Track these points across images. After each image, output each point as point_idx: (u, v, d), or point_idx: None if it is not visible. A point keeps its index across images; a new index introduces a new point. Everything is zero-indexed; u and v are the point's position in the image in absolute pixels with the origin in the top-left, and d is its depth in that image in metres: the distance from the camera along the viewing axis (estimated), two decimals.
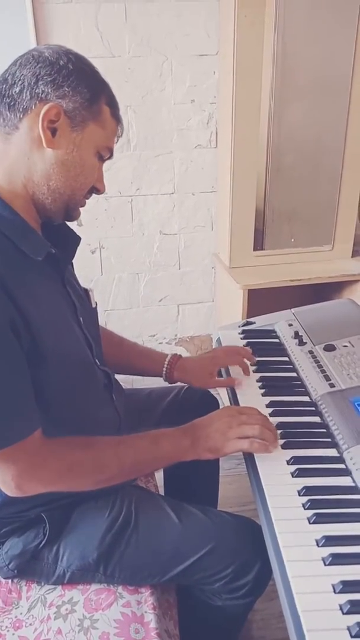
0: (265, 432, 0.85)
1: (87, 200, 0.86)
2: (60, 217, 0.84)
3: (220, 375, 1.14)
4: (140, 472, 0.94)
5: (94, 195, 0.87)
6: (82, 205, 0.85)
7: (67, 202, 0.81)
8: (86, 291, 0.96)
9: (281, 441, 0.87)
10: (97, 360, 0.92)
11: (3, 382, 0.70)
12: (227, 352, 1.14)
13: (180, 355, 1.13)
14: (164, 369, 1.11)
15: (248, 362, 1.11)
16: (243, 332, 1.28)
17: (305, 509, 0.74)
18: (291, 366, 1.12)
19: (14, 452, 0.73)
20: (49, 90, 0.73)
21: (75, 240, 0.90)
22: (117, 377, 1.04)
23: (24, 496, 0.77)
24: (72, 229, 0.91)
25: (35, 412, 0.75)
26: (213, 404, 1.17)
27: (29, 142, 0.75)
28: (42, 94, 0.73)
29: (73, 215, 0.85)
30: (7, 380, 0.71)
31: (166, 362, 1.11)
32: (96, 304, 0.98)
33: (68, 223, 0.91)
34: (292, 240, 1.92)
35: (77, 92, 0.74)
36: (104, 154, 0.82)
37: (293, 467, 0.81)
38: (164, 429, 0.87)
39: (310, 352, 1.12)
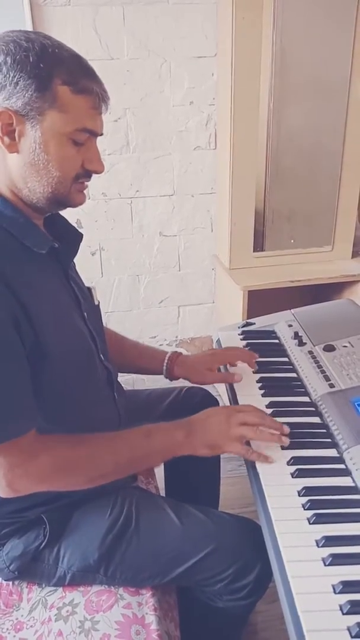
0: (264, 434, 0.84)
1: (86, 202, 0.85)
2: (56, 209, 0.83)
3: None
4: (135, 468, 0.93)
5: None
6: (81, 190, 0.81)
7: (53, 196, 0.78)
8: (89, 289, 0.97)
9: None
10: (101, 355, 0.93)
11: (2, 379, 0.71)
12: (227, 349, 1.14)
13: (180, 353, 1.14)
14: (165, 365, 1.11)
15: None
16: (243, 332, 1.28)
17: (305, 509, 0.74)
18: (291, 367, 1.12)
19: (6, 449, 0.73)
20: None
21: (78, 237, 0.90)
22: (118, 378, 1.04)
23: (16, 496, 0.77)
24: (74, 226, 0.92)
25: (33, 410, 0.76)
26: (213, 405, 1.17)
27: (0, 150, 0.74)
28: None
29: (70, 203, 0.81)
30: (7, 378, 0.72)
31: (166, 359, 1.12)
32: (99, 302, 0.98)
33: (71, 222, 0.92)
34: (292, 241, 1.92)
35: (22, 86, 0.70)
36: (79, 138, 0.75)
37: (293, 468, 0.81)
38: (158, 423, 0.86)
39: (310, 352, 1.12)
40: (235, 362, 1.10)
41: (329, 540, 0.68)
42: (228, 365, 1.13)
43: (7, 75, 0.70)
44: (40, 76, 0.70)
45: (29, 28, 1.63)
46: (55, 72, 0.71)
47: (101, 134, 0.80)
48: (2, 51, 0.70)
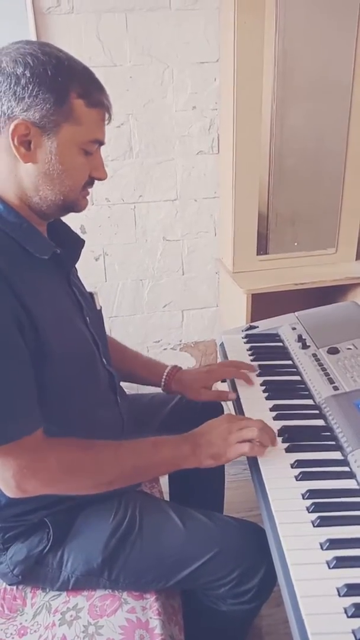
0: (263, 434, 0.84)
1: (90, 207, 0.86)
2: (62, 215, 0.86)
3: (227, 387, 1.14)
4: (140, 478, 0.93)
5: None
6: (85, 196, 0.85)
7: (63, 204, 0.81)
8: (91, 294, 0.97)
9: (285, 444, 0.87)
10: (104, 360, 0.93)
11: (7, 379, 0.72)
12: (223, 364, 1.14)
13: (179, 368, 1.14)
14: (163, 380, 1.12)
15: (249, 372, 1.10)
16: (247, 336, 1.28)
17: (309, 512, 0.73)
18: (295, 370, 1.12)
19: (15, 449, 0.74)
20: (13, 105, 0.72)
21: (80, 243, 0.92)
22: (121, 383, 1.04)
23: (25, 497, 0.77)
24: (76, 233, 0.93)
25: (38, 411, 0.76)
26: (217, 409, 1.17)
27: (12, 159, 0.76)
28: (7, 110, 0.72)
29: (77, 208, 0.84)
30: (12, 378, 0.72)
31: (165, 374, 1.12)
32: (101, 307, 0.99)
33: (75, 228, 0.93)
34: (296, 244, 1.92)
35: (41, 99, 0.72)
36: (90, 148, 0.79)
37: (297, 471, 0.81)
38: (165, 436, 0.87)
39: (314, 355, 1.12)
40: (230, 377, 1.10)
41: (333, 543, 0.67)
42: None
43: (26, 88, 0.71)
44: (59, 90, 0.73)
45: (33, 36, 1.64)
46: (71, 86, 0.74)
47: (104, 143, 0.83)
48: (20, 64, 0.72)
